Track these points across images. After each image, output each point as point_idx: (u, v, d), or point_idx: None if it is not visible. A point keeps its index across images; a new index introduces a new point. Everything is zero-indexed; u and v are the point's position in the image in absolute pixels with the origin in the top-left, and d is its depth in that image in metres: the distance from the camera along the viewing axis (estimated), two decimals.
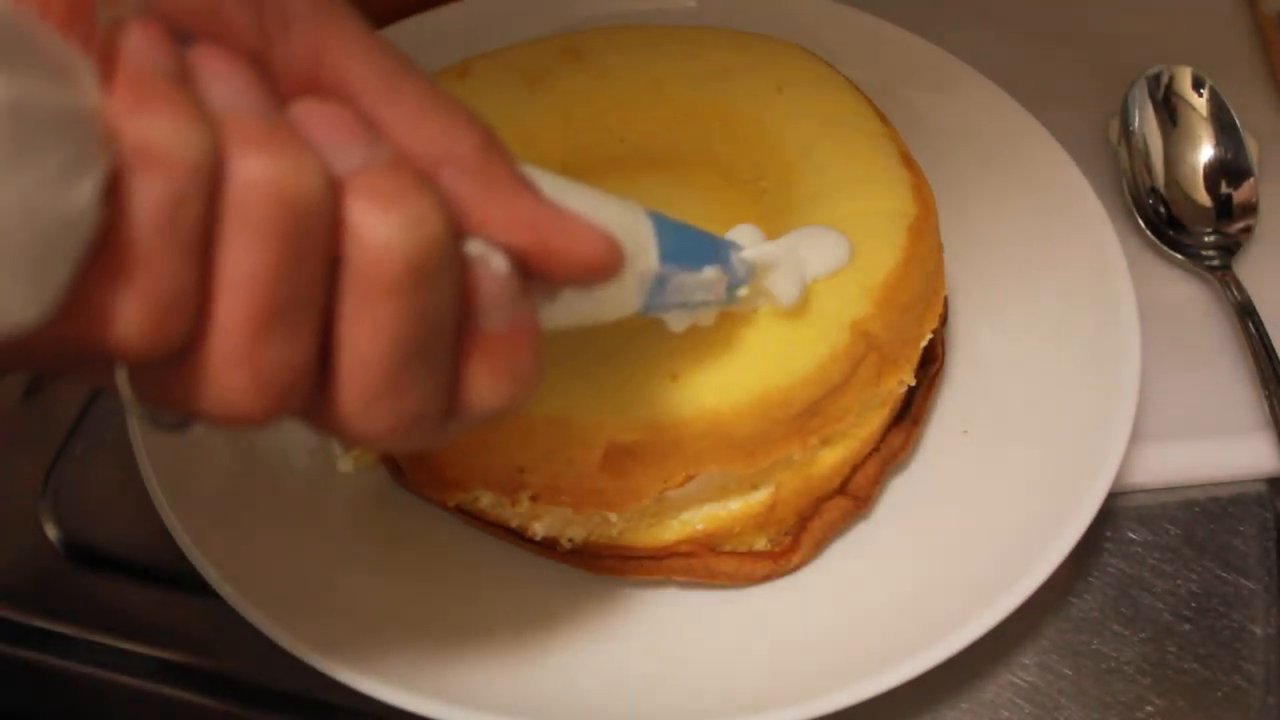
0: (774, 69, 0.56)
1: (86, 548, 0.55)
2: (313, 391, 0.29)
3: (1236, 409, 0.57)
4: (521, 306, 0.31)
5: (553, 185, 0.33)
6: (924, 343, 0.51)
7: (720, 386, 0.45)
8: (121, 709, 0.51)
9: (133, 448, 0.50)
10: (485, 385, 0.31)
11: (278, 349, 0.27)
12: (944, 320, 0.55)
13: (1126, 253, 0.55)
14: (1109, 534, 0.54)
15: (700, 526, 0.49)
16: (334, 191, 0.27)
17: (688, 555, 0.49)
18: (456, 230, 0.29)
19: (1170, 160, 0.64)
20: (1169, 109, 0.65)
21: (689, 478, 0.47)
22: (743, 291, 0.44)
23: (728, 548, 0.50)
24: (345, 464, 0.53)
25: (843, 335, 0.46)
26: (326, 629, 0.47)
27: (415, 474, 0.50)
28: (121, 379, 0.27)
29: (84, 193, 0.24)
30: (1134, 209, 0.63)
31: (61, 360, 0.27)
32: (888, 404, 0.51)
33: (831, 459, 0.50)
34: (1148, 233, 0.63)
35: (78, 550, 0.55)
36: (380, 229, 0.27)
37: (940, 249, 0.52)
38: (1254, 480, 0.56)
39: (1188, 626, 0.51)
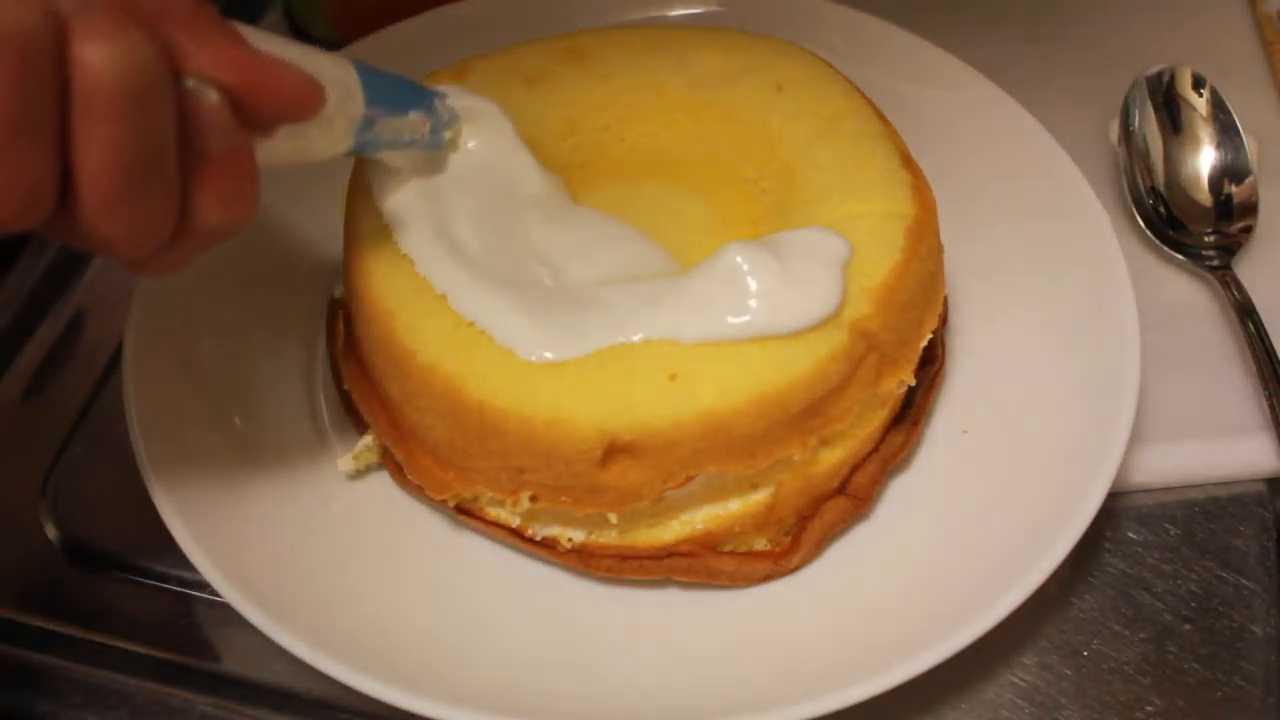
0: (774, 69, 0.56)
1: (86, 548, 0.55)
2: (57, 202, 0.34)
3: (1236, 409, 0.57)
4: (237, 136, 0.37)
5: (264, 40, 0.38)
6: (924, 343, 0.51)
7: (719, 386, 0.45)
8: (120, 709, 0.51)
9: (132, 448, 0.50)
10: (210, 205, 0.37)
11: (18, 159, 0.32)
12: (944, 320, 0.55)
13: (1126, 253, 0.55)
14: (1109, 534, 0.54)
15: (700, 526, 0.49)
16: (59, 29, 0.32)
17: (688, 555, 0.49)
18: (171, 67, 0.35)
19: (1170, 160, 0.64)
20: (1169, 109, 0.65)
21: (689, 478, 0.47)
22: (448, 134, 0.49)
23: (728, 548, 0.50)
24: (346, 464, 0.53)
25: (842, 335, 0.46)
26: (326, 629, 0.47)
27: (415, 474, 0.50)
28: None
29: None
30: (1134, 209, 0.63)
31: None
32: (887, 404, 0.51)
33: (831, 459, 0.50)
34: (1148, 233, 0.63)
35: (78, 550, 0.55)
36: (96, 55, 0.32)
37: (940, 249, 0.52)
38: (1254, 480, 0.56)
39: (1188, 626, 0.51)
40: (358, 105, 0.43)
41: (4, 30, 0.31)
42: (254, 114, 0.37)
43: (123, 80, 0.33)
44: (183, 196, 0.36)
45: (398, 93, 0.46)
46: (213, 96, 0.36)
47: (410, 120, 0.46)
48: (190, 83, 0.35)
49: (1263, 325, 0.58)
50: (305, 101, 0.38)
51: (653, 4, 0.67)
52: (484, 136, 0.50)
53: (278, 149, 0.39)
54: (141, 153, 0.34)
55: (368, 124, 0.44)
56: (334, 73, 0.41)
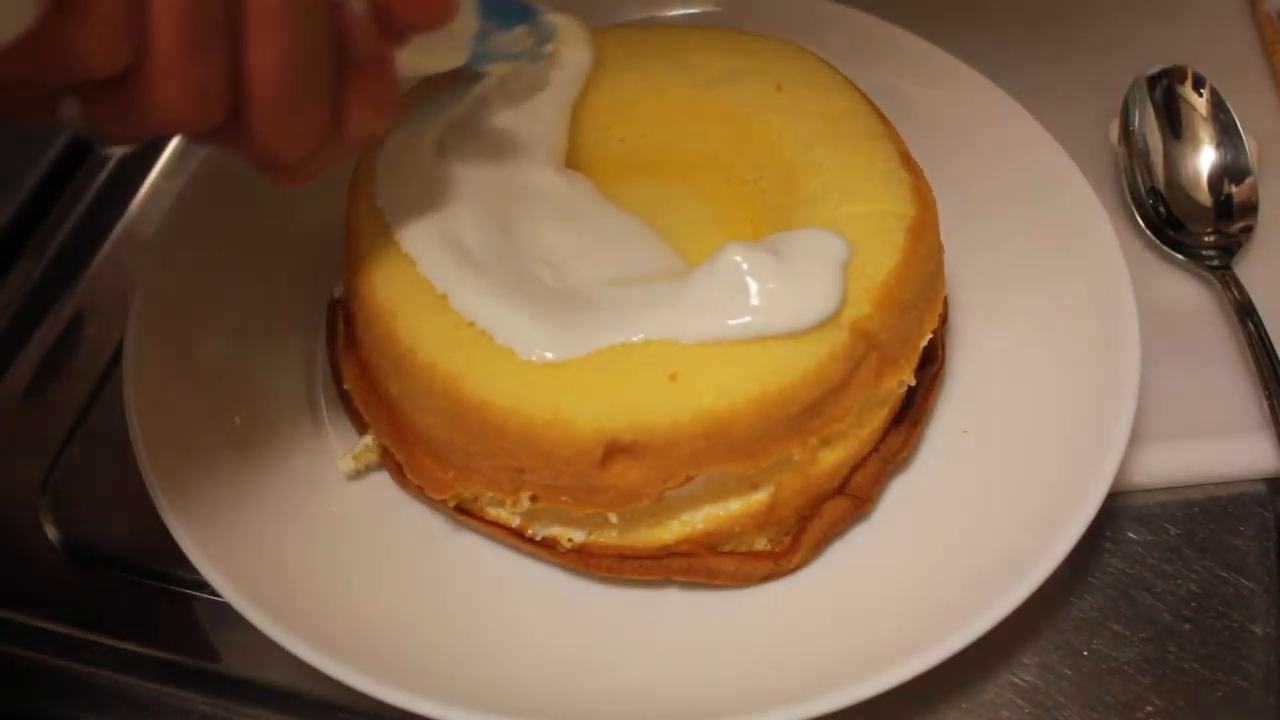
0: (774, 69, 0.56)
1: (86, 548, 0.55)
2: (230, 107, 0.37)
3: (1236, 409, 0.57)
4: (380, 44, 0.40)
5: None
6: (924, 343, 0.51)
7: (720, 386, 0.45)
8: (120, 709, 0.51)
9: (132, 449, 0.50)
10: (359, 109, 0.40)
11: (199, 64, 0.35)
12: (944, 320, 0.55)
13: (1126, 253, 0.55)
14: (1109, 534, 0.54)
15: (700, 526, 0.49)
16: None
17: (688, 555, 0.49)
18: None
19: (1170, 160, 0.64)
20: (1169, 109, 0.65)
21: (689, 478, 0.47)
22: (549, 48, 0.53)
23: (728, 548, 0.50)
24: (346, 464, 0.53)
25: (842, 335, 0.46)
26: (325, 628, 0.47)
27: (415, 474, 0.50)
28: (71, 105, 0.36)
29: None
30: (1134, 209, 0.63)
31: (41, 70, 0.34)
32: (888, 404, 0.51)
33: (831, 459, 0.50)
34: (1148, 233, 0.63)
35: (78, 550, 0.55)
36: None
37: (940, 249, 0.52)
38: (1254, 480, 0.56)
39: (1188, 626, 0.51)
40: (474, 19, 0.46)
41: None
42: (393, 22, 0.40)
43: None
44: (335, 101, 0.39)
45: (506, 7, 0.49)
46: (360, 6, 0.39)
47: (516, 33, 0.50)
48: None
49: (1263, 325, 0.58)
50: (439, 11, 0.41)
51: (653, 4, 0.67)
52: (568, 53, 0.54)
53: (410, 59, 0.42)
54: (304, 57, 0.37)
55: (482, 36, 0.47)
56: None
